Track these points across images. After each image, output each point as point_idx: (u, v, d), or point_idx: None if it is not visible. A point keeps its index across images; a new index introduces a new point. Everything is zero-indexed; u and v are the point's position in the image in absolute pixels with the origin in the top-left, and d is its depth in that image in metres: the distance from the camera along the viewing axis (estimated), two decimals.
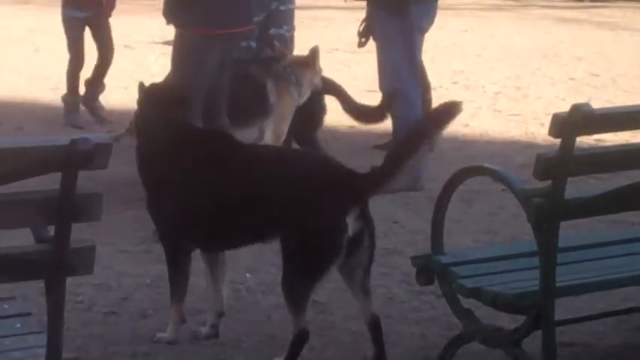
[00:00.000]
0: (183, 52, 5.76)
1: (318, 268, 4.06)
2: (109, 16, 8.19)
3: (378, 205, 4.65)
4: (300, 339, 4.13)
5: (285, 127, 6.68)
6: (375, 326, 4.19)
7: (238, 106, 6.27)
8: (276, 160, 4.35)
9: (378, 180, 4.08)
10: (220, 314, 4.50)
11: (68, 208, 3.18)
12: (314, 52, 6.78)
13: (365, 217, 4.08)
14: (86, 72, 8.33)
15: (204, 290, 4.59)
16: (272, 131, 6.61)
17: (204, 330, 4.49)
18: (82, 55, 8.21)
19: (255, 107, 6.57)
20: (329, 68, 7.19)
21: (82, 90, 8.29)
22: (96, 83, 8.24)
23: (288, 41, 7.25)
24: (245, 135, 6.32)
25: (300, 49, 7.42)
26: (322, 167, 4.23)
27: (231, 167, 4.28)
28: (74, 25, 8.14)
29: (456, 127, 8.32)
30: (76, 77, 8.24)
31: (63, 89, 8.42)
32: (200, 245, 4.42)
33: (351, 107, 7.08)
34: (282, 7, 7.21)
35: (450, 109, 4.04)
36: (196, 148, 4.38)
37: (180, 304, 4.43)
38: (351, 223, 4.03)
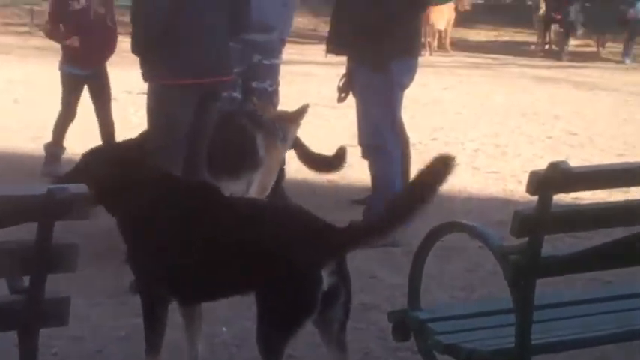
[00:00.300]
0: (154, 104, 5.78)
1: (292, 322, 4.04)
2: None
3: (357, 260, 4.64)
4: None
5: (271, 182, 6.71)
6: None
7: (229, 158, 6.29)
8: (254, 212, 4.34)
9: (356, 235, 4.07)
10: None
11: (44, 258, 3.16)
12: (303, 110, 6.84)
13: (341, 272, 4.07)
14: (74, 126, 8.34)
15: (178, 343, 4.56)
16: (259, 184, 6.63)
17: None
18: (74, 111, 8.19)
19: (246, 160, 6.60)
20: (309, 123, 7.22)
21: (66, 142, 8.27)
22: None
23: (271, 95, 7.26)
24: (234, 188, 6.32)
25: (281, 103, 7.44)
26: (299, 220, 4.21)
27: (208, 219, 4.27)
28: (73, 83, 8.15)
29: None
30: (64, 130, 8.23)
31: (43, 139, 8.40)
32: (177, 297, 4.39)
33: (306, 156, 7.15)
34: (265, 62, 7.22)
35: (440, 171, 3.85)
36: (173, 199, 4.38)
37: (155, 358, 4.39)
38: (326, 277, 4.01)
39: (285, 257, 4.01)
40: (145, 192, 4.40)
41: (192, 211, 4.31)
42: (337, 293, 4.05)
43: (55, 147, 8.23)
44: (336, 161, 7.14)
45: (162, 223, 4.31)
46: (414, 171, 7.63)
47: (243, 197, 5.90)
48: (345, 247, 4.06)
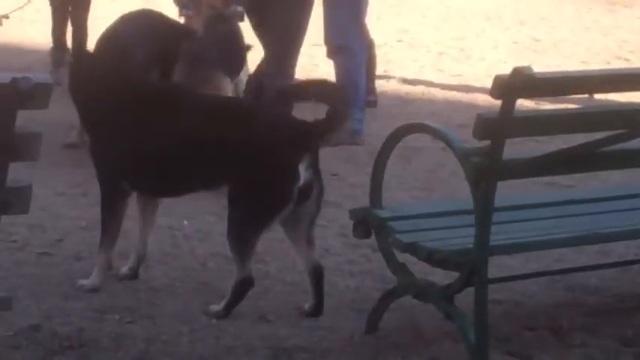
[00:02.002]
0: None
1: (267, 215, 4.07)
2: None
3: (319, 158, 4.65)
4: (244, 286, 4.14)
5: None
6: (318, 277, 4.22)
7: (231, 57, 6.24)
8: (229, 108, 4.34)
9: (327, 127, 4.12)
10: (141, 258, 4.47)
11: (6, 146, 3.16)
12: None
13: (315, 167, 4.11)
14: None
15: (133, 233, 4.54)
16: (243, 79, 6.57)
17: (123, 270, 4.46)
18: (64, 10, 7.91)
19: (240, 56, 6.52)
20: None
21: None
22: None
23: None
24: (233, 85, 6.22)
25: None
26: (275, 116, 4.23)
27: (183, 113, 4.25)
28: None
29: (399, 85, 8.38)
30: (62, 33, 7.98)
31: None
32: (145, 190, 4.37)
33: None
34: None
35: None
36: (142, 94, 4.35)
37: (109, 250, 4.39)
38: (303, 172, 4.05)
39: (265, 151, 4.03)
40: (109, 84, 4.37)
41: (167, 105, 4.28)
42: (311, 188, 4.09)
43: (57, 51, 8.02)
44: None
45: (130, 116, 4.28)
46: (379, 72, 7.72)
47: (217, 94, 5.84)
48: (318, 139, 4.10)
